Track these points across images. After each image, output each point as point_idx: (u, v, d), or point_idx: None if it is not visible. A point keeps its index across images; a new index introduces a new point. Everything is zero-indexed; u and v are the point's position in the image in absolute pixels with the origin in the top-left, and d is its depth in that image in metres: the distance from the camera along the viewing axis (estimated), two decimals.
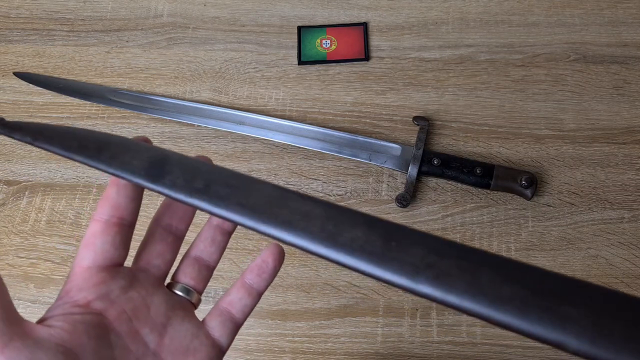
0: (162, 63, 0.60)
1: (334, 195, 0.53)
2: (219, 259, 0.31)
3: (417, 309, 0.48)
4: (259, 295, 0.30)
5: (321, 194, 0.53)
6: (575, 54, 0.59)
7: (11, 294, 0.50)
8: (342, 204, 0.52)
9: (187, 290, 0.30)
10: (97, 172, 0.55)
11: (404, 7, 0.62)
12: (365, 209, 0.52)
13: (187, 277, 0.30)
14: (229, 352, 0.47)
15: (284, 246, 0.26)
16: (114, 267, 0.28)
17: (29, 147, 0.56)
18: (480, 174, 0.51)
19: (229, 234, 0.32)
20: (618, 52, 0.58)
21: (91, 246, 0.27)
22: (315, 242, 0.22)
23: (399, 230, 0.22)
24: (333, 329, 0.48)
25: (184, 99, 0.57)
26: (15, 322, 0.21)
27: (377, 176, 0.54)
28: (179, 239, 0.31)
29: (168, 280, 0.30)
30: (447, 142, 0.55)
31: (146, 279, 0.29)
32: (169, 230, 0.31)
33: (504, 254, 0.50)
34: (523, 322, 0.19)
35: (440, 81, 0.58)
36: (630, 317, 0.19)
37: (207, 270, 0.31)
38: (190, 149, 0.55)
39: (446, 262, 0.21)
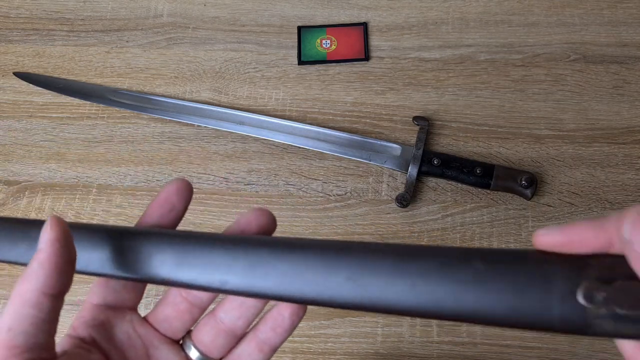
0: (162, 63, 0.60)
1: (334, 195, 0.53)
2: (247, 327, 0.27)
3: None
4: (272, 351, 0.27)
5: (321, 194, 0.53)
6: (575, 54, 0.59)
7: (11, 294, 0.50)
8: (341, 204, 0.52)
9: (200, 356, 0.27)
10: (96, 172, 0.55)
11: (404, 7, 0.62)
12: (365, 209, 0.52)
13: (205, 339, 0.27)
14: None
15: None
16: (123, 310, 0.27)
17: (29, 147, 0.56)
18: (480, 174, 0.51)
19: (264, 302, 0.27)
20: (618, 52, 0.58)
21: (103, 283, 0.26)
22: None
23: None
24: (333, 329, 0.48)
25: (184, 99, 0.57)
26: None
27: (377, 176, 0.54)
28: (196, 307, 0.27)
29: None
30: (447, 142, 0.55)
31: (153, 333, 0.27)
32: (184, 298, 0.27)
33: None
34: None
35: (440, 81, 0.58)
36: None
37: (231, 337, 0.27)
38: (190, 149, 0.55)
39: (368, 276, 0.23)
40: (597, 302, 0.20)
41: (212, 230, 0.51)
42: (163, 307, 0.27)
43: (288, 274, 0.23)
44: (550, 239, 0.21)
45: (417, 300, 0.22)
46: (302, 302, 0.24)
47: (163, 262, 0.25)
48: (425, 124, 0.54)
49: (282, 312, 0.26)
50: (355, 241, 0.24)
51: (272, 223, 0.27)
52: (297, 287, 0.23)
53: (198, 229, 0.51)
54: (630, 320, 0.19)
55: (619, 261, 0.20)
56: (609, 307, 0.19)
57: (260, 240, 0.25)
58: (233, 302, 0.26)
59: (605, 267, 0.20)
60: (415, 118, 0.55)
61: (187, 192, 0.27)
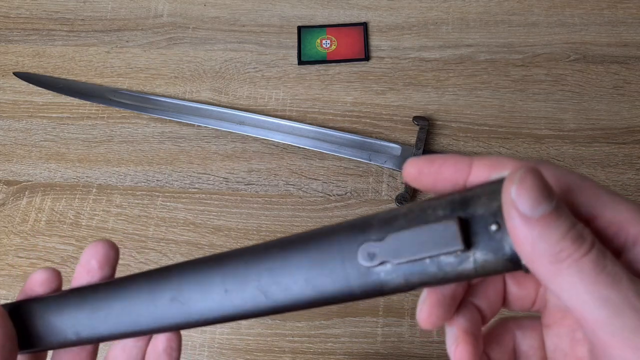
0: (162, 63, 0.60)
1: (334, 195, 0.53)
2: None
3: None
4: None
5: (321, 194, 0.53)
6: (575, 54, 0.59)
7: (11, 294, 0.50)
8: (341, 204, 0.52)
9: None
10: (96, 172, 0.55)
11: (404, 7, 0.62)
12: (365, 209, 0.52)
13: None
14: (229, 352, 0.47)
15: None
16: None
17: (29, 147, 0.56)
18: None
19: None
20: (618, 52, 0.58)
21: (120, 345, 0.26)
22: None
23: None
24: (333, 329, 0.48)
25: (184, 99, 0.57)
26: None
27: (377, 176, 0.54)
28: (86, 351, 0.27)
29: None
30: (447, 142, 0.55)
31: None
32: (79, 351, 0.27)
33: None
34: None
35: (440, 81, 0.58)
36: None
37: None
38: (190, 149, 0.55)
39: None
40: (377, 260, 0.20)
41: (212, 230, 0.51)
42: None
43: (122, 312, 0.24)
44: (414, 169, 0.22)
45: (233, 305, 0.23)
46: (144, 334, 0.25)
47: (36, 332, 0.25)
48: (425, 124, 0.54)
49: (157, 348, 0.25)
50: (170, 265, 0.25)
51: (110, 250, 0.27)
52: (132, 321, 0.24)
53: (198, 229, 0.51)
54: (415, 269, 0.20)
55: (396, 213, 0.21)
56: (390, 261, 0.20)
57: (97, 286, 0.25)
58: (116, 346, 0.26)
59: (383, 223, 0.21)
60: (415, 118, 0.55)
61: (105, 259, 0.26)
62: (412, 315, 0.48)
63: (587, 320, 0.18)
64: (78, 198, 0.53)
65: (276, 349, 0.47)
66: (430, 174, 0.21)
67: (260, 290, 0.22)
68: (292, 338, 0.47)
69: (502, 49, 0.59)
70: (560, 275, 0.18)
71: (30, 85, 0.59)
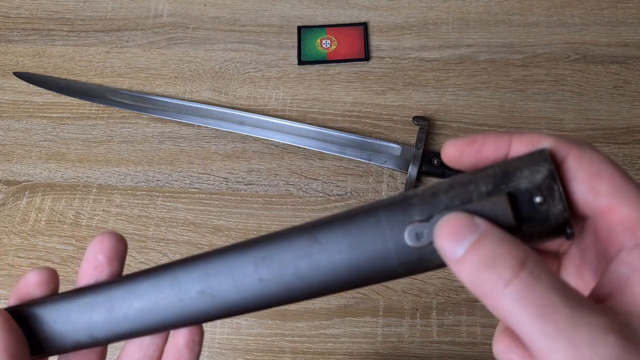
0: (162, 63, 0.60)
1: (334, 195, 0.53)
2: None
3: (417, 309, 0.48)
4: None
5: (321, 194, 0.53)
6: (575, 54, 0.59)
7: (11, 294, 0.50)
8: (341, 204, 0.52)
9: None
10: (96, 172, 0.55)
11: (404, 7, 0.62)
12: None
13: None
14: (229, 352, 0.47)
15: None
16: None
17: (29, 147, 0.56)
18: None
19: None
20: (618, 52, 0.58)
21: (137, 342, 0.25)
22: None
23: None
24: (333, 329, 0.48)
25: (184, 99, 0.57)
26: None
27: (377, 176, 0.54)
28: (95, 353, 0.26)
29: None
30: None
31: None
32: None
33: None
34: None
35: (440, 81, 0.58)
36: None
37: None
38: (190, 149, 0.55)
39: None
40: (425, 240, 0.20)
41: (212, 230, 0.51)
42: None
43: (145, 309, 0.23)
44: (454, 151, 0.22)
45: (268, 292, 0.22)
46: (170, 329, 0.24)
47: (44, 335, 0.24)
48: (425, 124, 0.54)
49: (178, 343, 0.24)
50: (192, 256, 0.24)
51: (118, 243, 0.25)
52: (156, 317, 0.23)
53: (198, 229, 0.51)
54: None
55: (438, 194, 0.20)
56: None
57: (110, 283, 0.24)
58: (132, 344, 0.25)
59: (424, 201, 0.21)
60: (415, 118, 0.55)
61: (113, 252, 0.25)
62: (412, 315, 0.48)
63: (532, 350, 0.17)
64: (78, 198, 0.53)
65: (276, 349, 0.47)
66: (472, 154, 0.22)
67: (298, 277, 0.22)
68: (292, 338, 0.47)
69: (502, 49, 0.59)
70: (500, 306, 0.18)
71: (31, 85, 0.59)
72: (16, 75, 0.60)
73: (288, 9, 0.63)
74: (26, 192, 0.54)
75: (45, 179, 0.54)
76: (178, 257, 0.50)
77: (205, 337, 0.47)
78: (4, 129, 0.57)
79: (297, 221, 0.52)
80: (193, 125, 0.56)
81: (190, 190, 0.53)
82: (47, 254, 0.51)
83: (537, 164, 0.19)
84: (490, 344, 0.46)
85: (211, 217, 0.52)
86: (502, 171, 0.20)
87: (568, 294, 0.17)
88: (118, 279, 0.24)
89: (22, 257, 0.51)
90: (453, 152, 0.22)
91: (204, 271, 0.23)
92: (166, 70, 0.60)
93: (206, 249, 0.51)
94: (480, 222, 0.19)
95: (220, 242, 0.51)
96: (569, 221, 0.20)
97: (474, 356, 0.47)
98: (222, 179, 0.54)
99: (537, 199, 0.19)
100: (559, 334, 0.17)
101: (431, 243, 0.20)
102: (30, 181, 0.54)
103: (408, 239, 0.20)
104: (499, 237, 0.18)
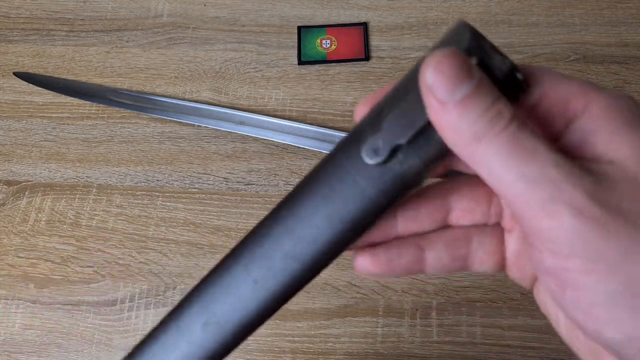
0: (162, 63, 0.60)
1: None
2: None
3: (417, 309, 0.48)
4: None
5: None
6: (575, 54, 0.59)
7: (11, 294, 0.50)
8: None
9: None
10: (96, 172, 0.55)
11: (404, 7, 0.62)
12: None
13: None
14: None
15: None
16: None
17: (29, 147, 0.56)
18: None
19: None
20: (618, 52, 0.58)
21: None
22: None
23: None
24: (333, 329, 0.48)
25: (184, 99, 0.57)
26: None
27: None
28: None
29: None
30: None
31: None
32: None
33: None
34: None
35: None
36: None
37: None
38: (190, 149, 0.55)
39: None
40: (385, 151, 0.19)
41: (212, 230, 0.51)
42: None
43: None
44: (363, 107, 0.21)
45: (267, 291, 0.21)
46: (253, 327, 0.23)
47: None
48: None
49: None
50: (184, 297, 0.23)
51: None
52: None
53: (198, 229, 0.51)
54: (424, 141, 0.19)
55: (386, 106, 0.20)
56: (399, 145, 0.19)
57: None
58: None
59: (373, 120, 0.20)
60: None
61: None
62: (412, 315, 0.48)
63: (507, 197, 0.18)
64: (78, 198, 0.53)
65: (276, 349, 0.47)
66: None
67: (290, 257, 0.21)
68: (292, 338, 0.47)
69: (502, 49, 0.59)
70: (479, 155, 0.18)
71: (31, 85, 0.59)
72: (16, 75, 0.60)
73: (288, 9, 0.63)
74: (26, 192, 0.54)
75: (45, 179, 0.54)
76: (178, 256, 0.50)
77: None
78: (4, 129, 0.57)
79: None
80: (193, 125, 0.56)
81: (190, 190, 0.53)
82: (47, 254, 0.51)
83: (458, 33, 0.19)
84: (491, 344, 0.47)
85: (211, 217, 0.52)
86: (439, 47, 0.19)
87: (553, 147, 0.18)
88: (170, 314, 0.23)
89: (22, 257, 0.51)
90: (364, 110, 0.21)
91: (200, 303, 0.22)
92: (166, 70, 0.60)
93: (206, 249, 0.51)
94: (477, 70, 0.18)
95: (220, 242, 0.51)
96: (515, 66, 0.19)
97: (474, 356, 0.47)
98: (222, 179, 0.54)
99: (475, 61, 0.18)
100: (541, 176, 0.17)
101: (393, 153, 0.19)
102: (30, 181, 0.54)
103: (368, 158, 0.19)
104: (492, 88, 0.18)
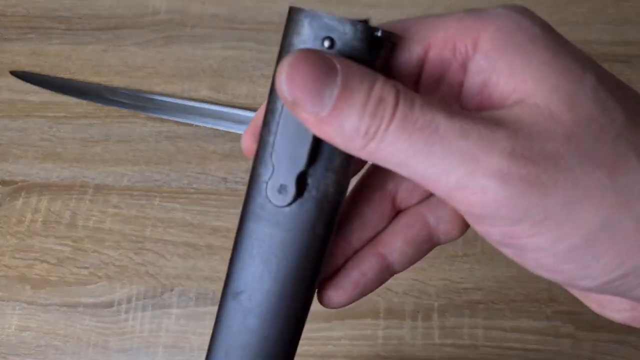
0: (159, 61, 0.59)
1: None
2: None
3: (418, 311, 0.48)
4: None
5: None
6: None
7: (7, 295, 0.49)
8: None
9: None
10: (93, 172, 0.54)
11: (405, 4, 0.62)
12: None
13: None
14: None
15: None
16: None
17: (25, 146, 0.56)
18: None
19: None
20: (622, 51, 0.58)
21: None
22: None
23: None
24: (333, 332, 0.47)
25: (181, 98, 0.57)
26: None
27: None
28: None
29: None
30: None
31: None
32: None
33: None
34: None
35: None
36: None
37: None
38: (188, 149, 0.55)
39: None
40: (292, 187, 0.18)
41: (210, 231, 0.51)
42: None
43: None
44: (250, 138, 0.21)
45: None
46: None
47: None
48: None
49: None
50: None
51: None
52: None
53: (196, 230, 0.51)
54: (325, 154, 0.18)
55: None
56: (297, 177, 0.18)
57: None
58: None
59: (261, 158, 0.19)
60: None
61: None
62: (414, 317, 0.48)
63: (427, 186, 0.16)
64: (75, 198, 0.53)
65: None
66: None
67: (263, 337, 0.20)
68: None
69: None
70: (380, 153, 0.16)
71: (27, 84, 0.58)
72: (12, 74, 0.59)
73: (287, 6, 0.62)
74: (22, 193, 0.53)
75: (41, 179, 0.54)
76: (176, 258, 0.50)
77: (203, 339, 0.47)
78: (0, 129, 0.57)
79: None
80: (191, 124, 0.56)
81: (188, 190, 0.53)
82: (43, 254, 0.51)
83: (295, 23, 0.18)
84: (492, 347, 0.46)
85: (209, 217, 0.52)
86: (285, 49, 0.18)
87: (454, 111, 0.16)
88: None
89: (19, 258, 0.51)
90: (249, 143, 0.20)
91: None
92: (164, 68, 0.59)
93: (204, 250, 0.50)
94: (335, 59, 0.16)
95: (219, 243, 0.50)
96: (369, 27, 0.17)
97: (475, 359, 0.46)
98: (220, 178, 0.53)
99: (326, 44, 0.17)
100: (449, 153, 0.15)
101: (301, 181, 0.18)
102: (27, 181, 0.54)
103: (279, 201, 0.18)
104: (361, 73, 0.16)
